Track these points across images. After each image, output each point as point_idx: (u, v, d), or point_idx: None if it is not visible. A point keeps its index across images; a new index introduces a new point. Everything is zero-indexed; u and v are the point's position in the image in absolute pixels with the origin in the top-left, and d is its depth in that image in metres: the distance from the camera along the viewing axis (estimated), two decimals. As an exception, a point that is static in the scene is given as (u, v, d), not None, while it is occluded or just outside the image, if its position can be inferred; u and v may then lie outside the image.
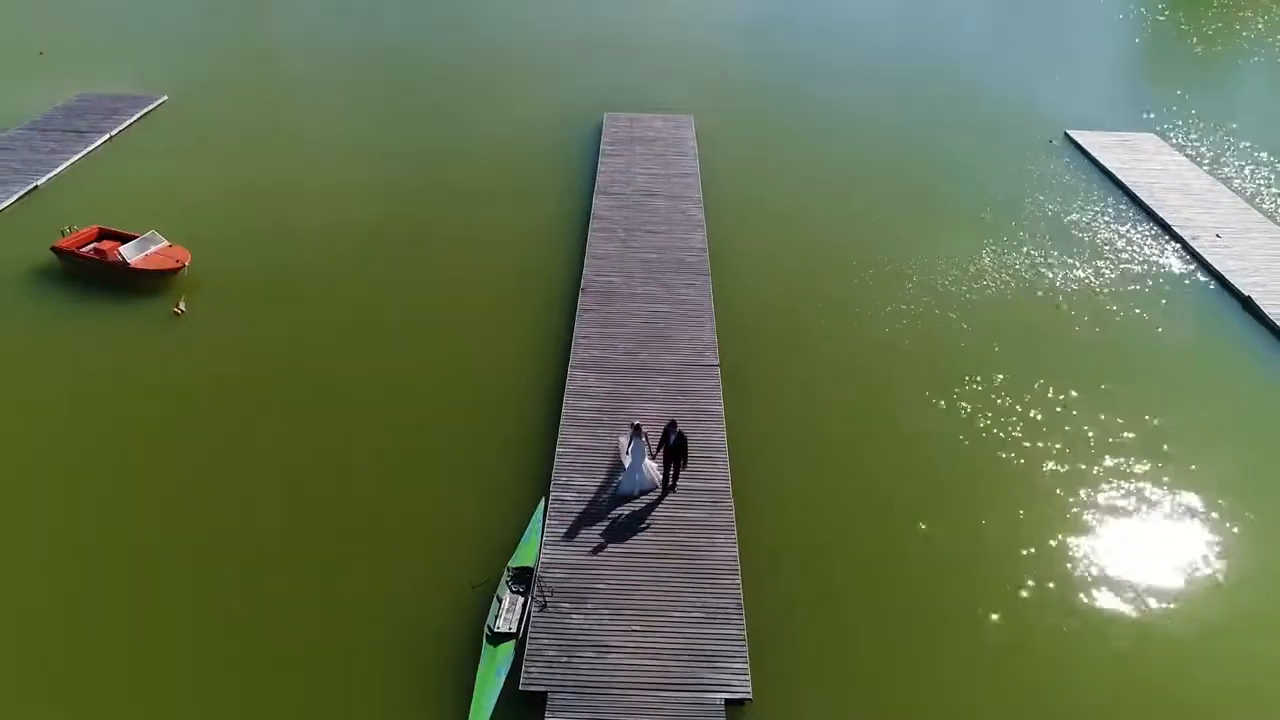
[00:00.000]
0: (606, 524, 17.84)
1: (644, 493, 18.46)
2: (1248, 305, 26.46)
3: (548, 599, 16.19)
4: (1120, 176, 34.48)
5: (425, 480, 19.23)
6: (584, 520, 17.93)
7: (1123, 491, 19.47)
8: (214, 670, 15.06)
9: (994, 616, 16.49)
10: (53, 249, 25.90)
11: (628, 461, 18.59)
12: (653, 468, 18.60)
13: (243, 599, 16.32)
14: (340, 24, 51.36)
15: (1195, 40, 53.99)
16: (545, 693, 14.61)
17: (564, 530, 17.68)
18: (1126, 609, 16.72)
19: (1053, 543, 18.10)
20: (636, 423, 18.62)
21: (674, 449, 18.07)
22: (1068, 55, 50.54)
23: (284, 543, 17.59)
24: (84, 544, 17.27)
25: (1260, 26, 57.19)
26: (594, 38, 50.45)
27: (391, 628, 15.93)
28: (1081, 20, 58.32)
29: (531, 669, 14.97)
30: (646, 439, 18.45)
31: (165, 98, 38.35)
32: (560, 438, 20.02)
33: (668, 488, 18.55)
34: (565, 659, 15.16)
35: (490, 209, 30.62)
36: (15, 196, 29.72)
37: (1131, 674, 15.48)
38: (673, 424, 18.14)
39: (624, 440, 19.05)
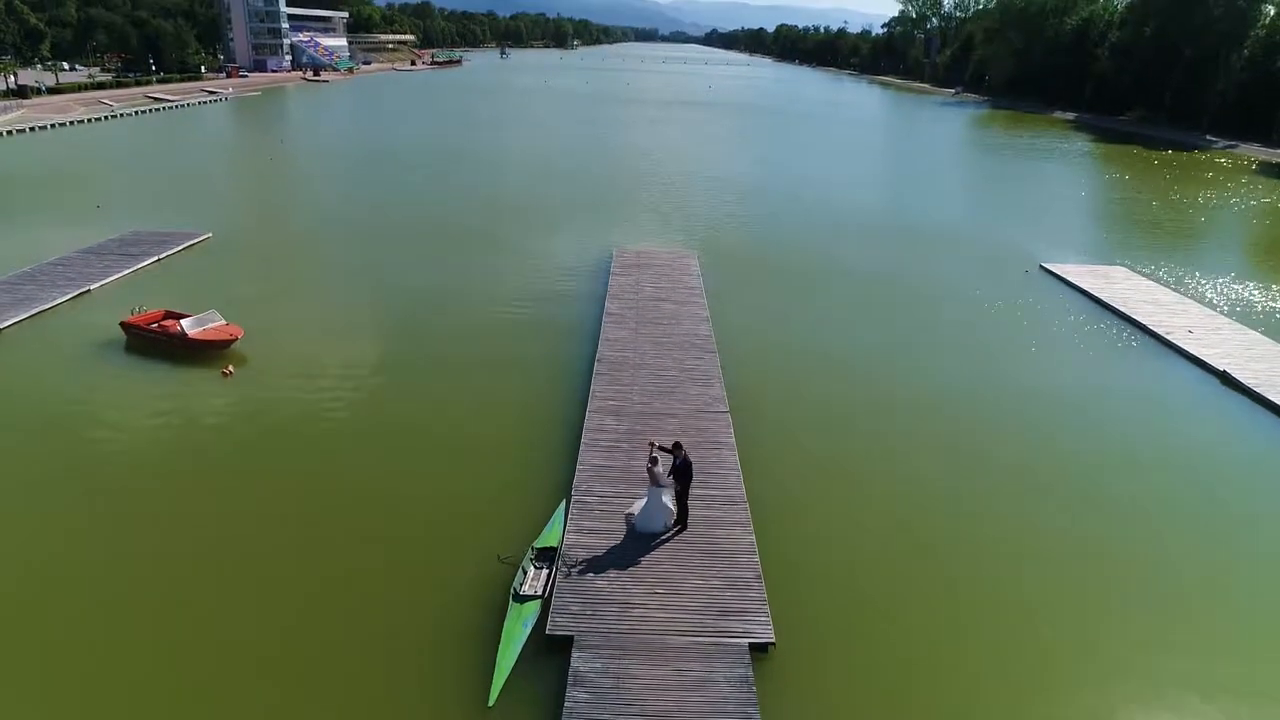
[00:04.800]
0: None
1: (665, 528, 17.86)
2: (1225, 379, 28.08)
3: (572, 570, 16.57)
4: (1095, 293, 37.12)
5: (454, 497, 19.96)
6: (603, 517, 18.47)
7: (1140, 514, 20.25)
8: (270, 626, 15.37)
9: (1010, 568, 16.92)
10: (121, 324, 28.33)
11: (644, 498, 18.08)
12: (668, 507, 18.03)
13: (292, 579, 16.90)
14: (368, 184, 56.22)
15: (1148, 195, 59.07)
16: (572, 636, 14.80)
17: (585, 523, 18.22)
18: (1110, 583, 17.15)
19: (1057, 519, 18.74)
20: (651, 454, 18.24)
21: (680, 470, 17.75)
22: (1035, 211, 55.23)
23: (333, 532, 18.33)
24: (132, 555, 17.89)
25: (1209, 192, 62.70)
26: (598, 200, 55.16)
27: (423, 594, 16.37)
28: (1043, 183, 63.92)
29: (558, 618, 15.21)
30: (659, 463, 17.96)
31: (210, 234, 41.72)
32: (580, 458, 20.90)
33: (680, 523, 17.98)
34: (590, 612, 15.41)
35: (507, 313, 32.80)
36: (68, 295, 32.01)
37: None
38: (677, 446, 18.05)
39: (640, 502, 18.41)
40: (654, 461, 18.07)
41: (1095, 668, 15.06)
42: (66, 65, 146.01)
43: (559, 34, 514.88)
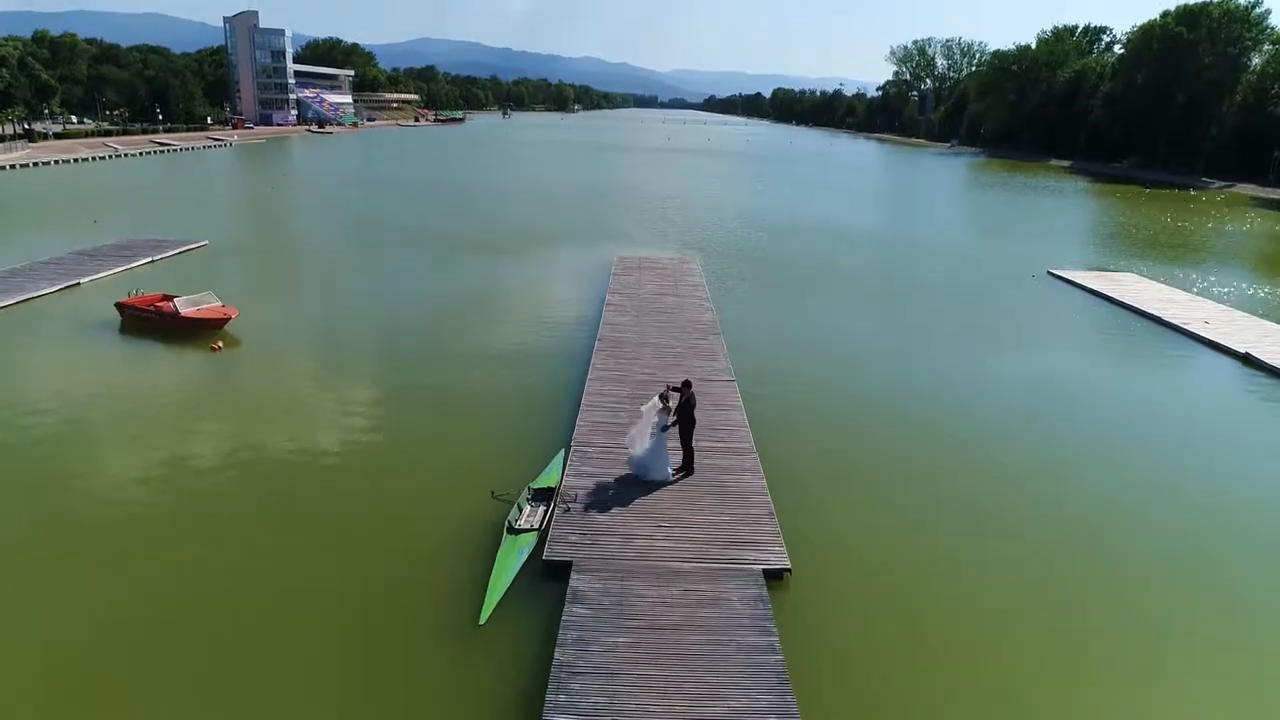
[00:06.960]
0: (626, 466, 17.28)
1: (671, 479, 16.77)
2: (1248, 360, 27.20)
3: (571, 506, 15.47)
4: (1107, 293, 36.41)
5: (451, 444, 18.94)
6: (604, 464, 17.38)
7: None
8: (267, 563, 14.24)
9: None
10: (116, 305, 27.62)
11: (649, 442, 17.00)
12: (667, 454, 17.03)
13: (288, 518, 15.91)
14: (367, 205, 55.90)
15: (1147, 221, 58.86)
16: (570, 562, 13.64)
17: (585, 468, 17.15)
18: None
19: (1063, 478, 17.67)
20: (663, 391, 17.53)
21: (682, 407, 16.96)
22: (1035, 232, 54.91)
23: (328, 480, 17.43)
24: (118, 515, 16.86)
25: (1208, 220, 62.55)
26: (599, 229, 54.87)
27: (418, 530, 15.42)
28: (1041, 212, 63.78)
29: (556, 545, 14.08)
30: (666, 405, 17.08)
31: (206, 242, 41.20)
32: (580, 416, 19.91)
33: (686, 468, 17.05)
34: (590, 541, 14.29)
35: (503, 312, 32.04)
36: (57, 287, 31.29)
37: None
38: (687, 384, 17.39)
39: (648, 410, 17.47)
40: (663, 399, 17.04)
41: (1110, 598, 13.89)
42: (75, 119, 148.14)
43: (560, 98, 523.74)
